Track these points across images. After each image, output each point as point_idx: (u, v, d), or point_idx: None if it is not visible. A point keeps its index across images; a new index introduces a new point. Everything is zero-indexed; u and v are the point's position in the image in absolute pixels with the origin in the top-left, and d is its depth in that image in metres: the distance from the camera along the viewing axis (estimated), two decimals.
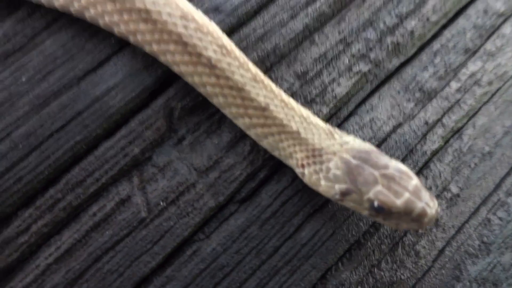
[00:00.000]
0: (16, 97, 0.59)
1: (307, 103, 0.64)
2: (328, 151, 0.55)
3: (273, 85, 0.57)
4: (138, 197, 0.58)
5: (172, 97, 0.61)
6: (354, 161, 0.53)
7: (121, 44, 0.61)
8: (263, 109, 0.56)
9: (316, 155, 0.55)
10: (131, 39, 0.57)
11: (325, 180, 0.54)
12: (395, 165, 0.53)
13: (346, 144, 0.56)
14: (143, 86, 0.61)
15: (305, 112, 0.58)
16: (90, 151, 0.58)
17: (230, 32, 0.64)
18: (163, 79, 0.61)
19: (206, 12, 0.64)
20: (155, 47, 0.56)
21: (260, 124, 0.57)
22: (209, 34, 0.55)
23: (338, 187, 0.53)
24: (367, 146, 0.55)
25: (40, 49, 0.61)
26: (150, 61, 0.61)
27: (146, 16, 0.54)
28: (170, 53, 0.56)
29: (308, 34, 0.68)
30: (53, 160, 0.57)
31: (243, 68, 0.56)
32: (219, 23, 0.63)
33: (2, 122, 0.57)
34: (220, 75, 0.55)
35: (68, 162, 0.58)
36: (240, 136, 0.62)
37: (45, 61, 0.60)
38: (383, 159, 0.54)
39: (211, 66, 0.55)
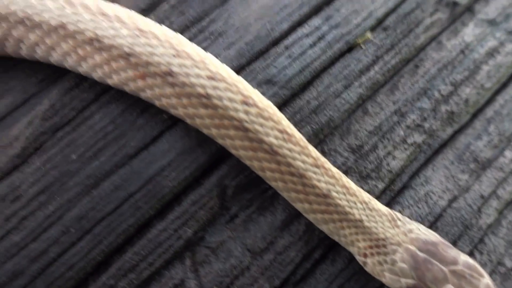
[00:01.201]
0: (66, 176, 0.57)
1: (362, 178, 0.62)
2: (393, 241, 0.53)
3: (334, 169, 0.55)
4: (192, 281, 0.56)
5: (225, 175, 0.59)
6: (421, 254, 0.51)
7: (174, 120, 0.59)
8: (325, 196, 0.54)
9: (380, 245, 0.53)
10: (189, 121, 0.55)
11: (390, 273, 0.52)
12: (464, 260, 0.51)
13: (411, 233, 0.54)
14: (197, 164, 0.58)
15: (367, 196, 0.56)
16: (143, 234, 0.56)
17: (283, 104, 0.62)
18: (216, 156, 0.59)
19: (259, 84, 0.62)
20: (214, 131, 0.54)
21: (321, 210, 0.55)
22: (270, 118, 0.53)
23: (405, 281, 0.51)
24: (433, 237, 0.53)
25: (90, 123, 0.59)
26: (203, 138, 0.59)
27: (206, 101, 0.52)
28: (230, 137, 0.54)
29: (361, 103, 0.66)
30: (106, 244, 0.55)
31: (304, 153, 0.54)
32: (273, 96, 0.61)
33: (53, 204, 0.55)
34: (281, 161, 0.53)
35: (121, 246, 0.56)
36: (295, 214, 0.60)
37: (95, 137, 0.58)
38: (451, 252, 0.52)
39: (272, 152, 0.53)
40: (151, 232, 0.57)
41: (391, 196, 0.64)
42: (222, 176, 0.59)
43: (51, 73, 0.63)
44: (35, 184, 0.56)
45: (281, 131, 0.53)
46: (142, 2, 0.68)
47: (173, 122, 0.59)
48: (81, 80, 0.61)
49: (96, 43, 0.53)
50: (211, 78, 0.53)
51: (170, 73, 0.52)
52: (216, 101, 0.52)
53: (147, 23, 0.55)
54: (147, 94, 0.55)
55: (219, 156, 0.60)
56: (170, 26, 0.64)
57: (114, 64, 0.54)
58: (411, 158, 0.65)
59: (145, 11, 0.68)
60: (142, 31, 0.53)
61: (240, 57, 0.63)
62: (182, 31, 0.64)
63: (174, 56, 0.53)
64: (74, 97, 0.61)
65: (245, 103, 0.53)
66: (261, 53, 0.64)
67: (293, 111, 0.62)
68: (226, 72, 0.54)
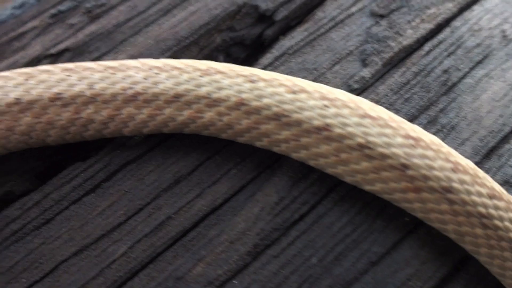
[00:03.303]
0: (309, 283, 0.53)
1: None
2: None
3: None
4: None
5: (466, 285, 0.56)
6: None
7: (415, 223, 0.56)
8: None
9: None
10: (454, 236, 0.52)
11: None
12: None
13: None
14: (441, 274, 0.55)
15: None
16: None
17: None
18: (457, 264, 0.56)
19: None
20: (483, 250, 0.50)
21: None
22: None
23: None
24: None
25: (325, 222, 0.55)
26: (447, 244, 0.55)
27: (486, 221, 0.49)
28: (502, 258, 0.50)
29: None
30: None
31: None
32: None
33: None
34: None
35: None
36: None
37: (334, 239, 0.55)
38: None
39: None
40: None
41: None
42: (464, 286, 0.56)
43: (268, 157, 0.59)
44: None
45: None
46: (354, 82, 0.64)
47: (414, 226, 0.56)
48: (309, 171, 0.58)
49: (366, 150, 0.49)
50: (492, 196, 0.49)
51: (450, 190, 0.48)
52: (497, 222, 0.49)
53: (414, 129, 0.51)
54: (413, 206, 0.51)
55: (459, 264, 0.56)
56: (396, 113, 0.60)
57: (383, 173, 0.50)
58: None
59: (356, 91, 0.64)
60: (415, 139, 0.50)
61: (475, 154, 0.59)
62: (410, 120, 0.60)
63: (452, 170, 0.49)
64: (304, 190, 0.57)
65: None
66: (494, 150, 0.60)
67: None
68: (499, 188, 0.51)
